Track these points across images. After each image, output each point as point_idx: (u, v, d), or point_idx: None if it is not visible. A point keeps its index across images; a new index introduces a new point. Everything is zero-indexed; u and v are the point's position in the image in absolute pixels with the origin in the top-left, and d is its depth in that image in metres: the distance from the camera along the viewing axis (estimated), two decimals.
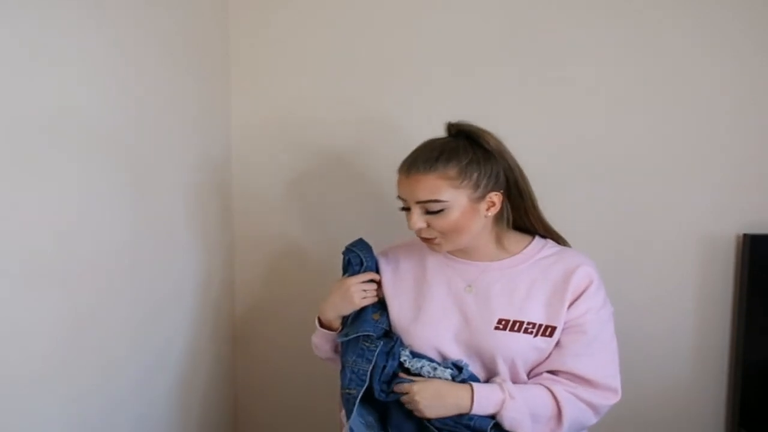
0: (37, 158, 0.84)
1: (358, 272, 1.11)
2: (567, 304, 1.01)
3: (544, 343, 1.01)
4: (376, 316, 1.09)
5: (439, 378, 1.00)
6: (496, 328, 1.01)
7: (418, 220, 1.00)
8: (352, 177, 1.52)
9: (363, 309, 1.10)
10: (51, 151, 0.87)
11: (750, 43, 1.38)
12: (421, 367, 1.02)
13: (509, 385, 0.98)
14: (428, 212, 1.00)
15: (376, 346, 1.03)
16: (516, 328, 1.01)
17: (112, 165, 1.03)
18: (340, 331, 1.11)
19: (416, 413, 0.98)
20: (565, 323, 1.01)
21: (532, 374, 1.04)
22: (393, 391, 1.02)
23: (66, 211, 0.91)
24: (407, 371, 1.04)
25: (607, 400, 1.01)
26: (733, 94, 1.39)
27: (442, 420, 0.97)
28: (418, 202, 0.99)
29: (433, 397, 0.97)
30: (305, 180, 1.54)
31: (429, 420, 0.98)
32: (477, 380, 1.02)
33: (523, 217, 1.08)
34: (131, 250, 1.10)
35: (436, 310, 1.06)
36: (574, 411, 0.98)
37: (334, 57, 1.50)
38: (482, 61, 1.45)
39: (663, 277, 1.45)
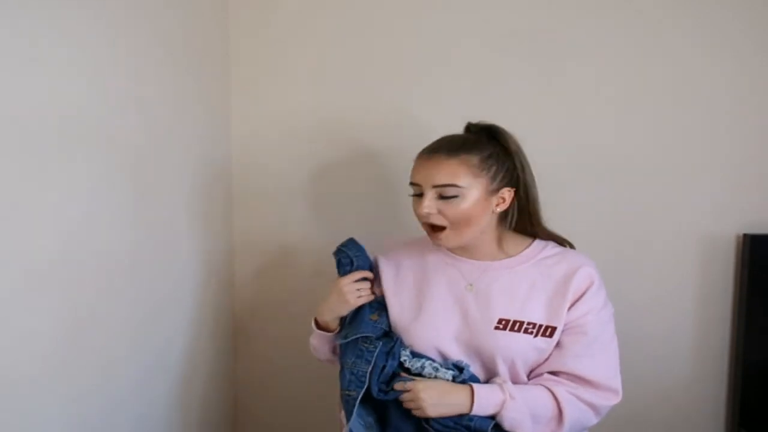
0: (37, 159, 0.84)
1: (349, 272, 1.11)
2: (568, 304, 1.01)
3: (544, 344, 1.01)
4: (374, 317, 1.08)
5: (441, 378, 1.00)
6: (497, 327, 1.01)
7: (431, 204, 1.00)
8: (352, 177, 1.52)
9: (360, 310, 1.09)
10: (51, 152, 0.87)
11: (750, 43, 1.38)
12: (422, 367, 1.01)
13: (509, 385, 0.98)
14: (442, 198, 1.00)
15: (375, 347, 1.03)
16: (516, 328, 1.01)
17: (113, 165, 1.03)
18: (339, 333, 1.11)
19: (417, 412, 0.98)
20: (565, 324, 1.01)
21: (532, 375, 1.04)
22: (393, 389, 1.01)
23: (66, 211, 0.91)
24: (407, 371, 1.03)
25: (608, 400, 1.01)
26: (733, 94, 1.39)
27: (442, 421, 0.96)
28: (435, 186, 0.99)
29: (436, 396, 0.97)
30: (305, 180, 1.54)
31: (428, 421, 0.97)
32: (478, 381, 1.02)
33: (525, 220, 1.08)
34: (131, 251, 1.10)
35: (436, 308, 1.06)
36: (574, 412, 0.98)
37: (334, 57, 1.50)
38: (483, 62, 1.45)
39: (663, 277, 1.44)
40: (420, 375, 1.02)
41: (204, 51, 1.41)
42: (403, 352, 1.04)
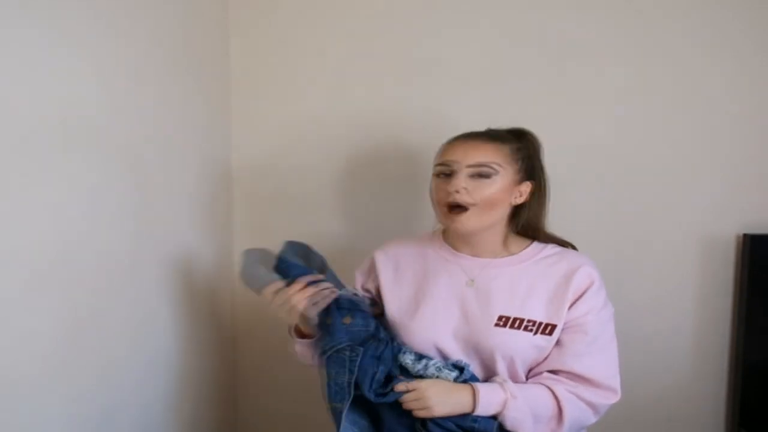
0: (38, 159, 0.84)
1: (293, 281, 0.99)
2: (568, 303, 1.01)
3: (543, 341, 1.01)
4: (347, 320, 1.00)
5: (443, 378, 0.99)
6: (497, 324, 1.02)
7: (463, 181, 1.01)
8: (352, 177, 1.52)
9: (329, 315, 1.01)
10: (51, 153, 0.87)
11: (750, 43, 1.38)
12: (426, 368, 1.00)
13: (510, 384, 0.98)
14: (473, 178, 1.01)
15: (357, 354, 0.98)
16: (516, 325, 1.01)
17: (113, 166, 1.03)
18: (318, 340, 1.05)
19: (423, 412, 0.95)
20: (565, 323, 1.01)
21: (531, 374, 1.04)
22: (393, 390, 0.98)
23: (66, 211, 0.91)
24: (405, 372, 1.02)
25: (607, 399, 1.01)
26: (733, 94, 1.39)
27: (444, 423, 0.95)
28: (470, 166, 1.01)
29: (443, 394, 0.96)
30: (305, 180, 1.54)
31: (425, 425, 0.96)
32: (477, 381, 1.02)
33: (532, 221, 1.10)
34: (132, 251, 1.10)
35: (436, 305, 1.06)
36: (574, 411, 0.98)
37: (333, 57, 1.50)
38: (483, 62, 1.45)
39: (663, 277, 1.44)
40: (421, 376, 1.00)
41: (204, 51, 1.41)
42: (407, 356, 1.02)
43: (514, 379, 1.02)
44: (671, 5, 1.39)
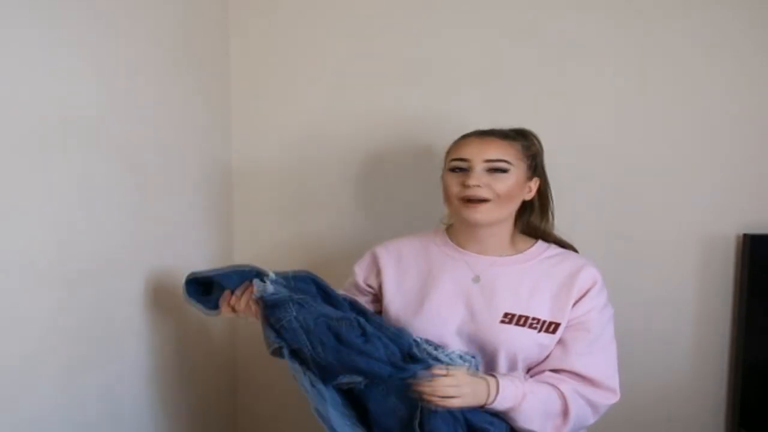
0: (38, 159, 0.84)
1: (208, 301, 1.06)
2: (572, 301, 1.03)
3: (547, 340, 1.02)
4: (275, 319, 1.04)
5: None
6: (502, 321, 1.02)
7: (482, 175, 1.03)
8: (352, 177, 1.52)
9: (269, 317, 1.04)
10: (52, 153, 0.87)
11: (750, 43, 1.38)
12: (449, 356, 0.98)
13: (528, 379, 1.00)
14: (490, 173, 1.03)
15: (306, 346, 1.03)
16: (521, 322, 1.02)
17: (113, 166, 1.03)
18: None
19: (454, 401, 0.91)
20: (569, 321, 1.03)
21: (532, 374, 1.04)
22: (419, 371, 0.93)
23: (67, 212, 0.91)
24: (413, 358, 0.96)
25: (607, 400, 1.02)
26: (733, 95, 1.39)
27: (452, 426, 0.93)
28: (487, 161, 1.04)
29: (473, 384, 0.94)
30: (306, 181, 1.54)
31: (422, 426, 0.93)
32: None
33: (536, 220, 1.13)
34: (132, 251, 1.10)
35: (440, 302, 1.07)
36: (579, 409, 0.99)
37: (333, 57, 1.50)
38: (482, 62, 1.45)
39: (663, 277, 1.45)
40: (436, 359, 0.98)
41: (204, 51, 1.41)
42: (428, 347, 1.00)
43: None
44: (671, 5, 1.39)
